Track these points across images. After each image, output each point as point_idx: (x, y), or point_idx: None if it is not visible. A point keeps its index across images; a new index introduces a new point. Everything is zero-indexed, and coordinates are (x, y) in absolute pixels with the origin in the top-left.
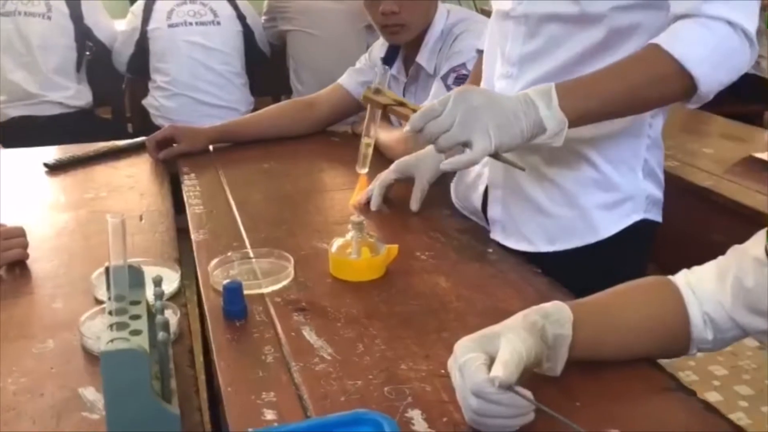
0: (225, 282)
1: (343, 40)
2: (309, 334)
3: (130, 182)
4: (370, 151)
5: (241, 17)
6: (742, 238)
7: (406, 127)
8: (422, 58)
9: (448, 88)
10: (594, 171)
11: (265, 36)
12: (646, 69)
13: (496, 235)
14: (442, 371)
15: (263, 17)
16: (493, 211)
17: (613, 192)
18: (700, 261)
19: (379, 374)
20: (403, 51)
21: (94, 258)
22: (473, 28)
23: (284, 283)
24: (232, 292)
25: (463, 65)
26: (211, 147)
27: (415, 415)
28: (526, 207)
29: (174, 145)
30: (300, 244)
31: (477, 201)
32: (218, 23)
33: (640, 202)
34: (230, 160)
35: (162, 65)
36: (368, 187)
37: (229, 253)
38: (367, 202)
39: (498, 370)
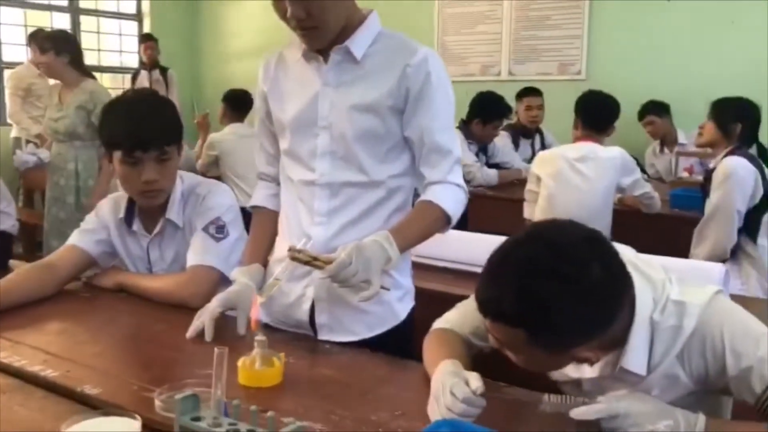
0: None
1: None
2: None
3: None
4: (277, 289)
5: None
6: None
7: (323, 274)
8: (172, 215)
9: (212, 236)
10: (390, 278)
11: None
12: (430, 215)
13: (324, 335)
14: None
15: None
16: (321, 318)
17: (401, 290)
18: None
19: None
20: (139, 210)
21: None
22: (215, 189)
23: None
24: None
25: (219, 218)
26: None
27: None
28: (348, 310)
29: None
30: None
31: (303, 315)
32: None
33: (411, 294)
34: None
35: None
36: (195, 323)
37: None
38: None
39: (479, 383)
